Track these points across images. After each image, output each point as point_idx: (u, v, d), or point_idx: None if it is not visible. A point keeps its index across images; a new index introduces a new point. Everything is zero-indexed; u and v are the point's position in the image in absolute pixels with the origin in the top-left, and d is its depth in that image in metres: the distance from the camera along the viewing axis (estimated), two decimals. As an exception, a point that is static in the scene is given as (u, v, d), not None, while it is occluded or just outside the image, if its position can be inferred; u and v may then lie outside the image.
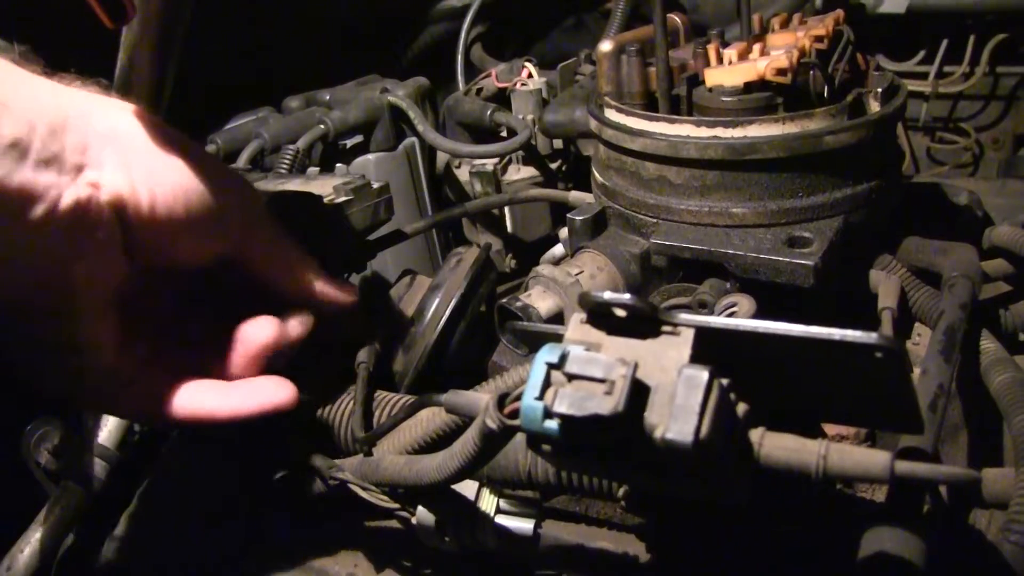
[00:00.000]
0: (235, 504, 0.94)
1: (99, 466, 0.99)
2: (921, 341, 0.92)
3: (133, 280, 0.73)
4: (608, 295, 0.55)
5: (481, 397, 0.65)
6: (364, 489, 0.79)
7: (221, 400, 0.77)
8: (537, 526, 0.76)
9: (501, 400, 0.58)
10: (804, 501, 0.71)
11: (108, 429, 1.01)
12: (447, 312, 0.96)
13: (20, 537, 0.95)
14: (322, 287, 0.83)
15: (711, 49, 0.97)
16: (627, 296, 0.54)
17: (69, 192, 0.64)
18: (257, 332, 0.79)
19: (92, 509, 0.97)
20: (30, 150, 0.62)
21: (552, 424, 0.52)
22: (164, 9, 1.00)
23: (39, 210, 0.63)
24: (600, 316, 0.57)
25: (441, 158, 1.60)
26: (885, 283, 0.90)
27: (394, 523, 0.83)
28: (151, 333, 0.78)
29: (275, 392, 0.78)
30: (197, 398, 0.76)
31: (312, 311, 0.82)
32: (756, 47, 0.96)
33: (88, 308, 0.70)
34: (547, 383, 0.53)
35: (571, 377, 0.53)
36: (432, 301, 0.97)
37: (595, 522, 0.84)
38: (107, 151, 0.68)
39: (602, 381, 0.52)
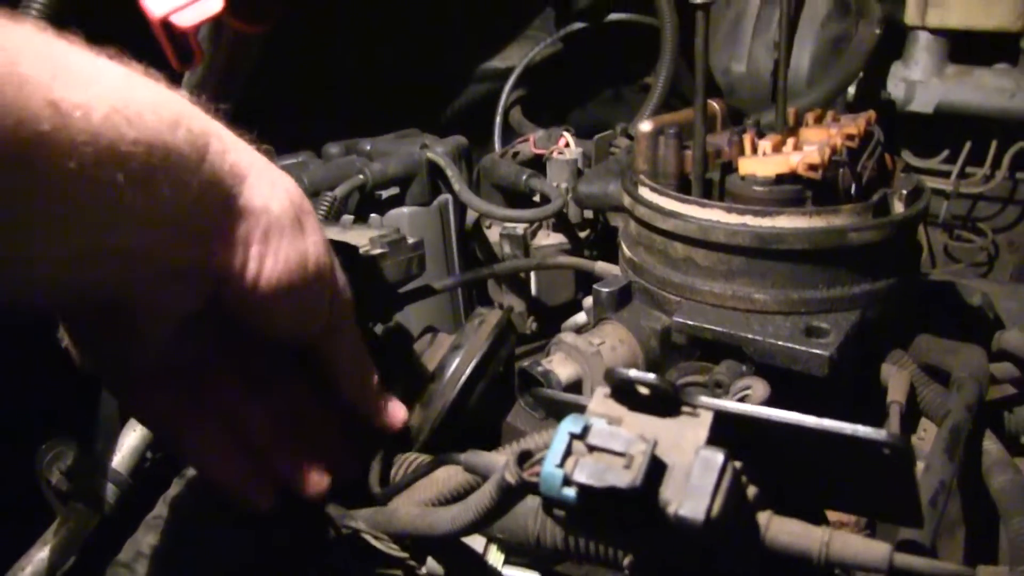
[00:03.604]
0: (242, 543, 0.95)
1: (110, 490, 1.00)
2: (926, 436, 0.94)
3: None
4: (633, 373, 0.58)
5: (500, 458, 0.68)
6: (376, 539, 0.81)
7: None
8: (543, 576, 0.78)
9: (522, 457, 0.61)
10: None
11: (122, 454, 1.02)
12: (467, 371, 0.98)
13: (24, 555, 0.96)
14: (379, 405, 0.86)
15: (747, 138, 1.00)
16: (651, 376, 0.57)
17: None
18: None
19: (99, 532, 0.98)
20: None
21: (570, 491, 0.55)
22: (229, 59, 1.05)
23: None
24: (623, 392, 0.60)
25: (470, 215, 1.64)
26: (895, 378, 0.92)
27: (405, 572, 0.85)
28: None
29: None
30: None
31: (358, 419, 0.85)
32: (790, 140, 1.00)
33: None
34: (568, 452, 0.56)
35: (592, 448, 0.56)
36: (453, 360, 0.99)
37: (596, 586, 0.86)
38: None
39: (622, 455, 0.54)
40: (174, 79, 1.08)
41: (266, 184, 0.69)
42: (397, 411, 0.87)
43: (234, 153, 0.66)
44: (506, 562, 0.78)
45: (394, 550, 0.80)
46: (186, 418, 0.76)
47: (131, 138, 0.56)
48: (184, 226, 0.63)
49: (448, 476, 0.79)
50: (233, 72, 1.11)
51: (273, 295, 0.69)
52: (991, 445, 0.87)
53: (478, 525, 0.68)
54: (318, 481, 0.81)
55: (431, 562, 0.80)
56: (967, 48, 1.96)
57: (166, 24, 0.86)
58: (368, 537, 0.81)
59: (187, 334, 0.72)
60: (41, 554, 0.96)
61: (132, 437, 1.03)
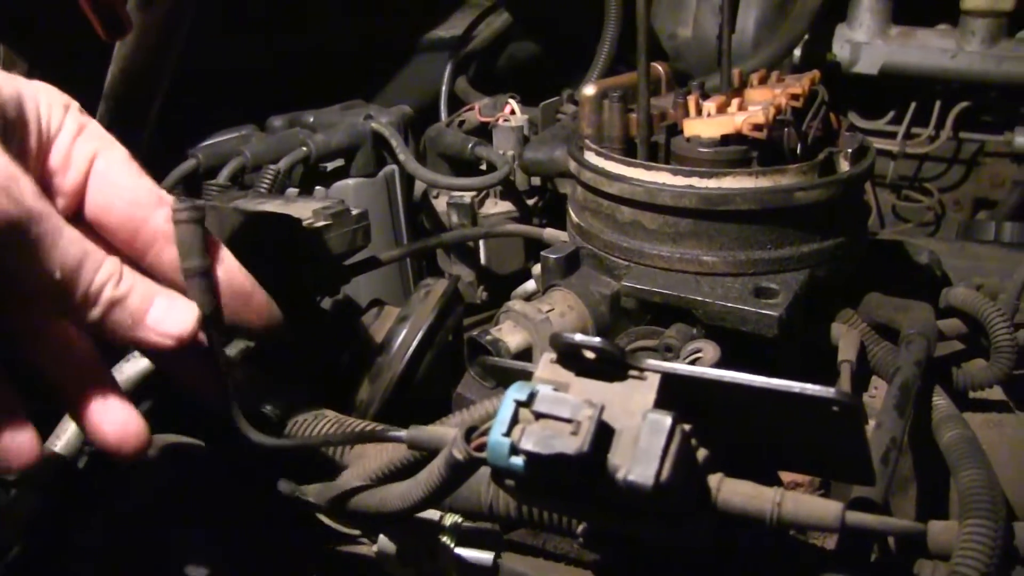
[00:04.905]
0: (195, 525, 0.94)
1: (53, 475, 0.98)
2: (877, 394, 0.95)
3: None
4: (579, 337, 0.57)
5: (445, 432, 0.66)
6: (326, 515, 0.80)
7: None
8: (497, 557, 0.77)
9: (469, 433, 0.60)
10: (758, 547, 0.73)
11: (65, 438, 1.00)
12: (414, 343, 0.98)
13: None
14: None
15: (691, 100, 1.00)
16: (597, 339, 0.57)
17: None
18: None
19: (43, 518, 0.96)
20: None
21: (518, 460, 0.54)
22: (161, 26, 1.02)
23: None
24: (570, 357, 0.59)
25: (419, 186, 1.62)
26: (846, 336, 0.92)
27: (356, 549, 0.84)
28: None
29: None
30: None
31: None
32: (735, 101, 0.99)
33: None
34: (515, 420, 0.55)
35: (539, 415, 0.55)
36: (400, 331, 0.99)
37: (552, 556, 0.85)
38: None
39: (569, 421, 0.54)
40: (104, 51, 1.06)
41: None
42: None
43: None
44: (458, 544, 0.77)
45: (345, 527, 0.79)
46: None
47: None
48: None
49: (396, 446, 0.78)
50: (168, 41, 1.08)
51: None
52: (940, 400, 0.87)
53: (428, 502, 0.68)
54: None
55: (383, 539, 0.79)
56: (909, 9, 1.97)
57: (88, -8, 0.83)
58: (319, 514, 0.80)
59: None
60: (-17, 543, 0.94)
61: (74, 420, 1.01)
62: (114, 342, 0.68)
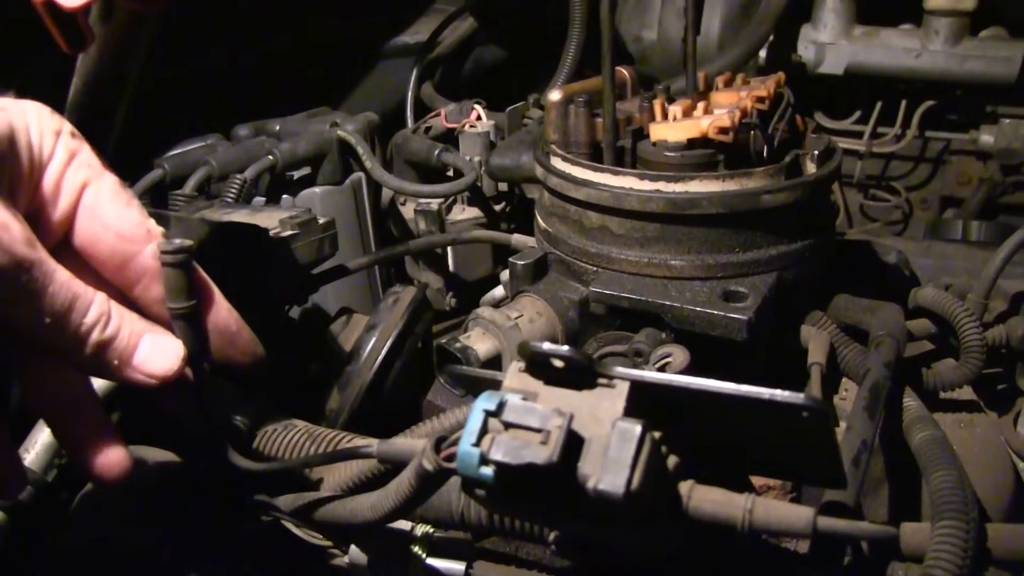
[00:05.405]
0: (163, 541, 0.93)
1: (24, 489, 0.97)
2: (848, 396, 0.95)
3: None
4: (547, 346, 0.56)
5: (414, 444, 0.66)
6: (297, 526, 0.79)
7: None
8: (468, 567, 0.77)
9: (438, 443, 0.59)
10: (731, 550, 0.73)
11: (35, 451, 0.99)
12: (383, 351, 0.97)
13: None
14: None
15: (657, 104, 1.00)
16: (565, 348, 0.56)
17: None
18: None
19: (14, 533, 0.95)
20: None
21: (487, 470, 0.54)
22: (123, 38, 1.01)
23: None
24: (538, 365, 0.58)
25: (386, 193, 1.61)
26: (815, 339, 0.92)
27: (327, 560, 0.83)
28: None
29: None
30: None
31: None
32: (700, 105, 0.99)
33: None
34: (484, 430, 0.55)
35: (508, 425, 0.54)
36: (368, 340, 0.98)
37: (525, 564, 0.85)
38: None
39: (538, 431, 0.53)
40: (66, 64, 1.05)
41: None
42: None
43: None
44: (430, 554, 0.77)
45: (316, 538, 0.79)
46: None
47: None
48: None
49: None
50: (130, 54, 1.07)
51: None
52: (911, 402, 0.87)
53: (399, 512, 0.67)
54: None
55: (354, 550, 0.78)
56: (873, 9, 1.99)
57: (49, 5, 0.82)
58: (289, 525, 0.79)
59: None
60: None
61: (46, 433, 1.00)
62: (102, 378, 0.70)
